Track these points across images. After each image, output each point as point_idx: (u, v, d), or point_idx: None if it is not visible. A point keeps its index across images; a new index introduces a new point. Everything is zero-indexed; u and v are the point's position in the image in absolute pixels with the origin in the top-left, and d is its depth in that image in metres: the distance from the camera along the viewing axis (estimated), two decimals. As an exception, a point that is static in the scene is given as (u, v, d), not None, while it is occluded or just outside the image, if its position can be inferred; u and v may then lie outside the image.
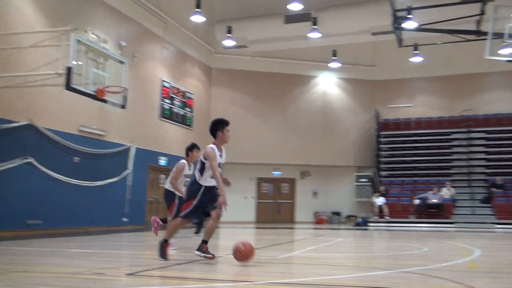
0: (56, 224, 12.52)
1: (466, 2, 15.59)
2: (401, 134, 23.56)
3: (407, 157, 23.02)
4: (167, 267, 5.50)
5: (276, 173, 23.34)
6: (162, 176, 17.94)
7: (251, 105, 22.55)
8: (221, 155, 6.01)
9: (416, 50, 20.85)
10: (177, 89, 19.00)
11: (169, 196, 8.30)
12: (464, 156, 22.23)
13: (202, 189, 5.92)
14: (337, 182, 23.51)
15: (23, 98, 11.78)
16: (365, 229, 17.64)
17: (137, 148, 16.05)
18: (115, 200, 14.97)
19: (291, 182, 23.69)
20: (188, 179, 8.13)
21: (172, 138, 18.61)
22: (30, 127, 11.84)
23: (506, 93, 23.12)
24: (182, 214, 6.06)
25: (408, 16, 15.63)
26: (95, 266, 5.51)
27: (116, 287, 4.38)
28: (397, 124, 24.01)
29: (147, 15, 17.15)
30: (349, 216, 23.02)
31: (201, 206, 5.93)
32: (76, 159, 13.39)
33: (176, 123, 18.88)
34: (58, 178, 12.61)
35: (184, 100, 19.48)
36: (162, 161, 17.73)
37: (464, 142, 22.48)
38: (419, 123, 23.62)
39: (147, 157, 16.83)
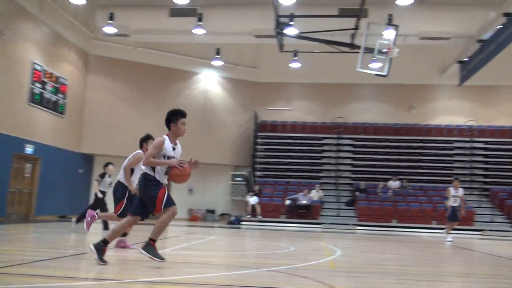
0: None
1: (343, 16, 16.54)
2: (277, 136, 24.36)
3: (281, 159, 23.88)
4: (30, 263, 5.11)
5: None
6: (28, 165, 16.75)
7: (130, 97, 21.89)
8: (174, 148, 5.66)
9: (295, 56, 21.67)
10: (50, 73, 17.84)
11: (121, 190, 7.65)
12: (333, 161, 23.59)
13: (160, 185, 5.51)
14: (213, 180, 23.64)
15: None
16: (238, 228, 17.96)
17: (0, 134, 14.81)
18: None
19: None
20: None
21: (41, 125, 17.44)
22: None
23: (373, 104, 24.99)
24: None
25: (290, 22, 16.21)
26: None
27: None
28: (274, 126, 24.79)
29: (20, -9, 15.88)
30: (223, 214, 23.28)
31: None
32: None
33: (47, 110, 17.72)
34: None
35: (57, 85, 18.34)
36: (29, 149, 16.55)
37: (334, 148, 23.85)
38: (294, 126, 24.61)
39: (12, 144, 15.59)
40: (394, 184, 21.68)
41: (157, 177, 5.53)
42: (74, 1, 16.91)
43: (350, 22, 16.12)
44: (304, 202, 20.18)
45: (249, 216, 20.26)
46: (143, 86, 22.11)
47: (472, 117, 23.74)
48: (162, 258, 5.29)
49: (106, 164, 11.64)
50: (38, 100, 17.05)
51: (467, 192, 22.20)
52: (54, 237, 8.74)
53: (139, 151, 7.66)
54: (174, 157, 5.62)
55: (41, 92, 17.24)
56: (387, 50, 14.96)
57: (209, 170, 23.42)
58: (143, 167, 5.67)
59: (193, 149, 23.03)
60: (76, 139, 20.44)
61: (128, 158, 7.71)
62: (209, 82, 23.99)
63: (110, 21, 18.59)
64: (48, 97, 17.75)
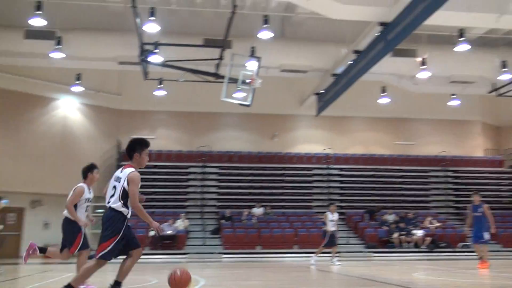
0: None
1: (208, 46, 16.80)
2: (142, 165, 23.69)
3: (146, 188, 23.11)
4: None
5: (4, 202, 20.86)
6: None
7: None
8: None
9: (160, 84, 21.43)
10: None
11: (72, 226, 6.84)
12: (198, 189, 23.54)
13: (127, 221, 5.23)
14: (72, 212, 22.16)
15: None
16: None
17: None
18: None
19: (20, 212, 21.49)
20: (89, 204, 7.09)
21: None
22: None
23: (238, 132, 25.59)
24: (100, 254, 5.15)
25: (155, 50, 16.06)
26: None
27: None
28: (139, 155, 24.10)
29: None
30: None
31: (122, 242, 5.22)
32: None
33: None
34: None
35: None
36: None
37: (199, 176, 23.84)
38: (159, 155, 24.17)
39: None
40: (258, 211, 22.18)
41: (124, 212, 5.33)
42: None
43: (215, 52, 16.41)
44: (169, 232, 19.77)
45: (111, 249, 19.23)
46: (-6, 112, 20.29)
47: (329, 146, 25.34)
48: None
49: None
50: None
51: (323, 217, 23.62)
52: None
53: (81, 184, 7.02)
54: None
55: None
56: (250, 80, 15.42)
57: (67, 202, 21.99)
58: (114, 205, 5.30)
59: (49, 179, 21.60)
60: None
61: (69, 196, 6.97)
62: (69, 109, 22.76)
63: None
64: None
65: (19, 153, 20.42)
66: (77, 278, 5.21)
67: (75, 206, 6.92)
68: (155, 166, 23.56)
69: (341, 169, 25.04)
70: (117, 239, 5.20)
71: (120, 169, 5.58)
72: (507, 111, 26.55)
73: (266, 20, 16.10)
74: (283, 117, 25.98)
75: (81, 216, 6.91)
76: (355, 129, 26.74)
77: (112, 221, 5.26)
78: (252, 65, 16.13)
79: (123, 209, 5.29)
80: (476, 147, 27.59)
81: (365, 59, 15.78)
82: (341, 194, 24.44)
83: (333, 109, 20.69)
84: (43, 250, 7.19)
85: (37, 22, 15.82)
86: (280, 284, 8.45)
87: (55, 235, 21.48)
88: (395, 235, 20.96)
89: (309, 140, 26.15)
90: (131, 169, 5.37)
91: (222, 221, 21.67)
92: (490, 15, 14.18)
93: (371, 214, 22.96)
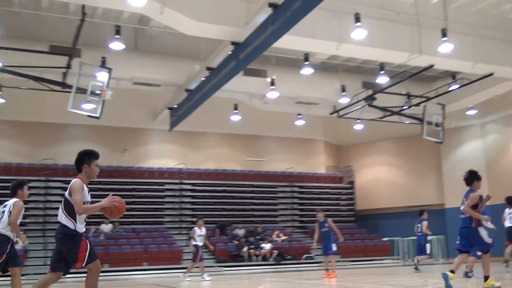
0: None
1: (54, 53, 15.86)
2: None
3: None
4: None
5: None
6: None
7: None
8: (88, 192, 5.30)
9: (-1, 91, 19.61)
10: None
11: (4, 243, 6.79)
12: (41, 205, 21.89)
13: (80, 237, 5.16)
14: None
15: None
16: None
17: None
18: None
19: None
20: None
21: None
22: None
23: (87, 145, 23.90)
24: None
25: (-7, 54, 14.73)
26: None
27: None
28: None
29: None
30: None
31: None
32: None
33: None
34: None
35: None
36: None
37: (42, 191, 22.19)
38: (-4, 168, 22.05)
39: None
40: (106, 227, 21.28)
41: (77, 229, 5.22)
42: None
43: (62, 60, 15.55)
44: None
45: None
46: None
47: (182, 161, 25.29)
48: None
49: None
50: None
51: (176, 232, 23.48)
52: None
53: (16, 199, 7.04)
54: (89, 202, 5.32)
55: None
56: (100, 91, 14.87)
57: None
58: (61, 219, 5.26)
59: None
60: None
61: (7, 210, 6.93)
62: None
63: None
64: None
65: None
66: None
67: None
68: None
69: (193, 184, 25.11)
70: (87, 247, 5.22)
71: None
72: (346, 132, 28.94)
73: (118, 31, 15.66)
74: (135, 131, 25.38)
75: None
76: (207, 145, 27.07)
77: (67, 239, 5.22)
78: (102, 76, 15.56)
79: (67, 221, 5.26)
80: (319, 164, 29.59)
81: (217, 77, 16.10)
82: (193, 209, 24.48)
83: (186, 124, 20.74)
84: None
85: None
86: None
87: None
88: (245, 249, 21.53)
89: (162, 155, 25.87)
90: (76, 179, 5.35)
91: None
92: (331, 42, 15.39)
93: (222, 229, 23.33)
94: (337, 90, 21.09)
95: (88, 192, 5.47)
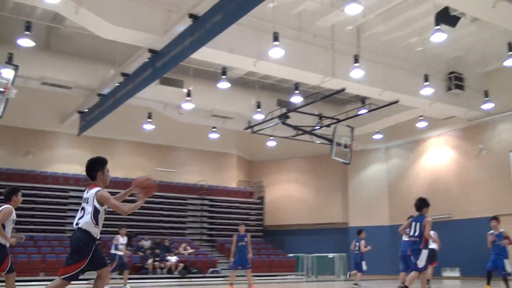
0: None
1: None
2: None
3: None
4: None
5: None
6: None
7: None
8: None
9: None
10: None
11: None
12: None
13: (95, 242, 5.32)
14: None
15: None
16: None
17: None
18: None
19: None
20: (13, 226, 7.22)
21: None
22: None
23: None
24: (66, 276, 5.15)
25: None
26: None
27: None
28: None
29: None
30: None
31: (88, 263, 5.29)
32: None
33: None
34: None
35: None
36: None
37: None
38: None
39: None
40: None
41: (94, 234, 5.36)
42: None
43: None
44: None
45: None
46: None
47: (89, 167, 24.30)
48: None
49: None
50: None
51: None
52: None
53: (7, 205, 7.22)
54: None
55: None
56: (4, 89, 14.01)
57: None
58: (84, 226, 5.33)
59: None
60: None
61: None
62: None
63: None
64: None
65: None
66: None
67: (3, 226, 7.11)
68: None
69: (101, 192, 24.16)
70: (85, 262, 5.25)
71: (86, 190, 5.56)
72: (258, 148, 29.35)
73: (28, 27, 14.85)
74: (41, 133, 24.10)
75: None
76: (117, 152, 26.26)
77: (81, 243, 5.28)
78: (7, 73, 14.65)
79: (95, 230, 5.35)
80: (231, 178, 29.71)
81: (132, 83, 15.75)
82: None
83: (96, 129, 20.06)
84: None
85: None
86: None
87: None
88: (150, 261, 21.02)
89: (68, 160, 24.70)
90: (97, 188, 5.43)
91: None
92: (249, 59, 15.60)
93: (127, 240, 22.59)
94: (252, 106, 21.38)
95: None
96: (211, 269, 22.20)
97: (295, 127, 20.81)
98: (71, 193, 23.50)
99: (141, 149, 26.79)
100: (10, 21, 16.29)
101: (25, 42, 14.98)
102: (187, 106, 19.91)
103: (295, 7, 16.09)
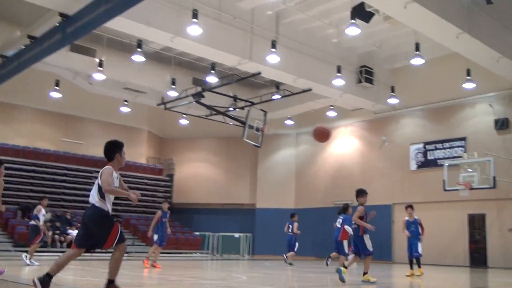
0: None
1: None
2: None
3: None
4: None
5: None
6: None
7: None
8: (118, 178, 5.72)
9: None
10: None
11: None
12: None
13: (112, 220, 5.54)
14: None
15: None
16: None
17: None
18: None
19: None
20: None
21: None
22: None
23: None
24: (115, 242, 5.50)
25: None
26: None
27: None
28: None
29: None
30: None
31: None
32: None
33: None
34: None
35: None
36: None
37: None
38: None
39: None
40: None
41: (108, 210, 5.58)
42: None
43: None
44: None
45: None
46: None
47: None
48: None
49: None
50: None
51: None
52: None
53: None
54: (116, 187, 5.68)
55: None
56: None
57: None
58: (93, 200, 5.57)
59: None
60: None
61: None
62: None
63: None
64: None
65: None
66: (54, 268, 5.41)
67: None
68: None
69: (-3, 161, 22.77)
70: (117, 233, 5.54)
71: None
72: (170, 125, 28.99)
73: None
74: None
75: None
76: (21, 119, 24.82)
77: (100, 220, 5.54)
78: None
79: (104, 205, 5.56)
80: (140, 154, 29.15)
81: (40, 47, 14.81)
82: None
83: (-2, 93, 18.82)
84: None
85: None
86: None
87: None
88: (49, 234, 20.20)
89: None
90: (107, 166, 5.68)
91: None
92: (167, 34, 15.29)
93: (24, 211, 21.54)
94: (167, 82, 21.05)
95: (117, 178, 5.81)
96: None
97: (209, 107, 20.70)
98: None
99: (47, 118, 25.50)
100: None
101: None
102: (98, 76, 19.18)
103: (217, -15, 15.95)
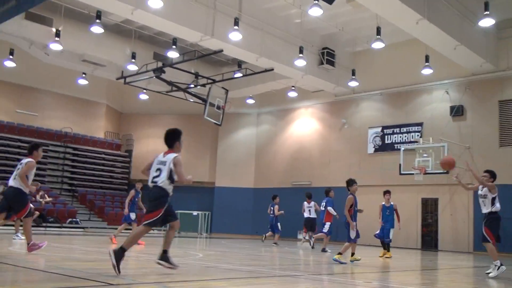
0: None
1: None
2: None
3: None
4: None
5: None
6: None
7: None
8: None
9: None
10: None
11: (21, 196, 7.91)
12: None
13: (170, 197, 6.00)
14: None
15: None
16: None
17: None
18: None
19: None
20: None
21: None
22: None
23: None
24: (147, 222, 5.93)
25: None
26: None
27: None
28: None
29: None
30: None
31: (164, 214, 5.97)
32: None
33: None
34: None
35: None
36: None
37: None
38: None
39: None
40: None
41: (169, 190, 6.11)
42: None
43: None
44: None
45: None
46: None
47: None
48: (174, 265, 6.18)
49: None
50: None
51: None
52: None
53: (30, 159, 8.05)
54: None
55: None
56: None
57: None
58: (161, 184, 6.04)
59: None
60: None
61: (17, 168, 8.04)
62: None
63: None
64: None
65: None
66: (128, 243, 5.80)
67: (27, 177, 7.88)
68: None
69: None
70: (161, 212, 5.93)
71: (162, 154, 6.29)
72: (129, 99, 28.51)
73: None
74: None
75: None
76: (-29, 88, 23.93)
77: (159, 197, 6.01)
78: None
79: (169, 187, 6.06)
80: (98, 128, 28.59)
81: (-8, 14, 14.23)
82: None
83: None
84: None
85: None
86: None
87: None
88: (1, 207, 19.67)
89: None
90: (175, 154, 6.11)
91: None
92: (127, 5, 14.90)
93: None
94: (127, 56, 20.61)
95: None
96: (69, 220, 21.42)
97: (170, 83, 20.42)
98: None
99: (0, 88, 24.60)
100: None
101: None
102: (55, 46, 18.55)
103: (180, -41, 15.60)
